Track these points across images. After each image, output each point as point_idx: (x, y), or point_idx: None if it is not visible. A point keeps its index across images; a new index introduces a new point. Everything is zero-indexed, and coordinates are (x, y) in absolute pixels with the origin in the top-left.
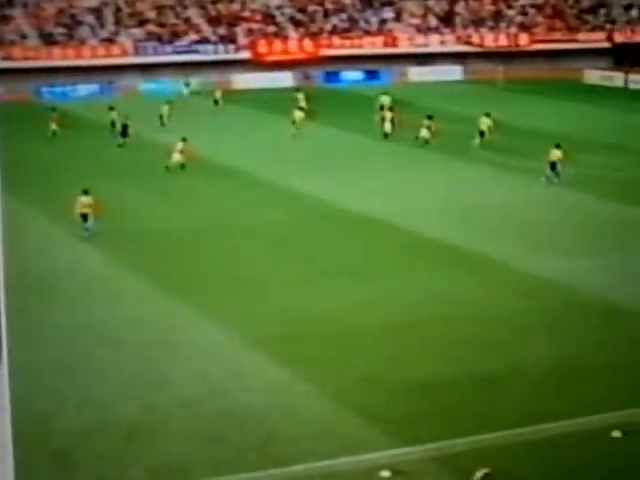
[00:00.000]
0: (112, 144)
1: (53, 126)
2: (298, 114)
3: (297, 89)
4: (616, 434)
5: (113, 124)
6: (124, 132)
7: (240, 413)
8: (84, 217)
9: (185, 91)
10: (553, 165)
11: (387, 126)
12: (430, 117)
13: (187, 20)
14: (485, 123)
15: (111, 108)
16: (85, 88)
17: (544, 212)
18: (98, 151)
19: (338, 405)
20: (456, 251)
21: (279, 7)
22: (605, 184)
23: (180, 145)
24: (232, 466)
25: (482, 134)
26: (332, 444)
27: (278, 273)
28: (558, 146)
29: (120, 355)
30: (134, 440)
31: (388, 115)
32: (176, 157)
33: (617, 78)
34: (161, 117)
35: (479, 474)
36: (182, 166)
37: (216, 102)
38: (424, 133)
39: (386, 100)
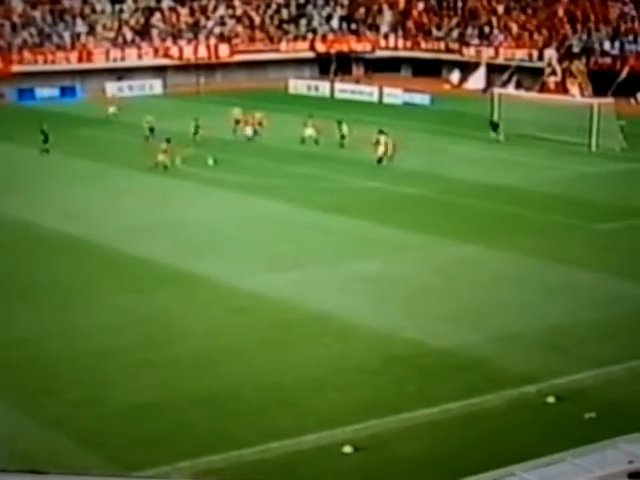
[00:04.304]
0: None
1: None
2: None
3: None
4: (347, 450)
5: None
6: None
7: None
8: None
9: None
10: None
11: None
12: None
13: None
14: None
15: None
16: None
17: (255, 226)
18: None
19: (53, 433)
20: (163, 269)
21: None
22: (315, 194)
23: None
24: None
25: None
26: None
27: None
28: (382, 131)
29: None
30: None
31: None
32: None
33: (323, 87)
34: None
35: None
36: None
37: None
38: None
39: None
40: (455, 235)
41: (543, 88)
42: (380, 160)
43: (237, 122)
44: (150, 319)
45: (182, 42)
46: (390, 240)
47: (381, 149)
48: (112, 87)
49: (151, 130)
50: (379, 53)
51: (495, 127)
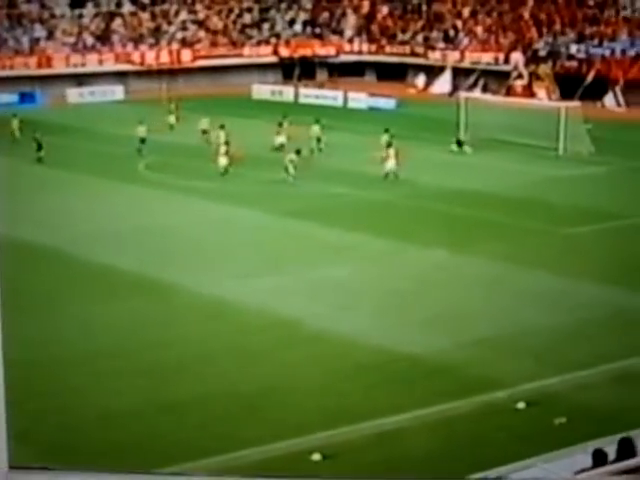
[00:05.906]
0: None
1: None
2: None
3: None
4: (316, 457)
5: None
6: None
7: None
8: None
9: None
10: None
11: None
12: None
13: None
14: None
15: None
16: None
17: (225, 233)
18: None
19: (17, 443)
20: (133, 277)
21: None
22: (275, 199)
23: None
24: None
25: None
26: None
27: None
28: (389, 145)
29: None
30: None
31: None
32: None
33: (287, 92)
34: None
35: None
36: None
37: None
38: None
39: None
40: (425, 240)
41: (510, 92)
42: (387, 175)
43: (204, 132)
44: (119, 327)
45: (144, 47)
46: (360, 246)
47: (391, 163)
48: (73, 93)
49: (142, 141)
50: (343, 57)
51: (460, 144)
